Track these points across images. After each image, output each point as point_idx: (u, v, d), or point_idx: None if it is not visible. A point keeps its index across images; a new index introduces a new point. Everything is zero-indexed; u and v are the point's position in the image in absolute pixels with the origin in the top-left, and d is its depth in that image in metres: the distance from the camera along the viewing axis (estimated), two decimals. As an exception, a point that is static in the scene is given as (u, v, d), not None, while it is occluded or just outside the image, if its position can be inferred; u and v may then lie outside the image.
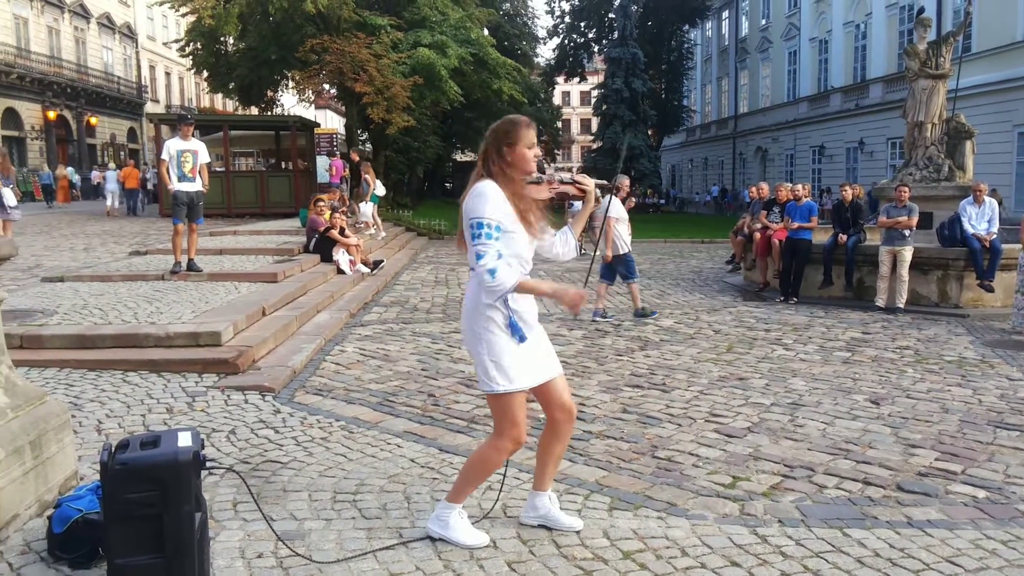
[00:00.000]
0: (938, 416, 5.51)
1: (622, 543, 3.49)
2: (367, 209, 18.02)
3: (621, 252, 9.54)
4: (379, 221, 18.38)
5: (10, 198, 12.13)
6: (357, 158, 20.45)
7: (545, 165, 3.45)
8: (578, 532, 3.56)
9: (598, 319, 9.40)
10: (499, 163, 3.20)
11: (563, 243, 3.45)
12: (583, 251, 18.20)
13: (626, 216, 9.56)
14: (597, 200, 3.47)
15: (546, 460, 3.55)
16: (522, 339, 3.23)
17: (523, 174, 3.24)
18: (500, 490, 3.84)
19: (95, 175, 35.08)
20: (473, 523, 3.55)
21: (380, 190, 18.75)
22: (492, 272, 3.07)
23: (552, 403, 3.42)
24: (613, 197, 9.22)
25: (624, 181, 9.92)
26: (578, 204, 3.50)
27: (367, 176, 18.45)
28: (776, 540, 3.54)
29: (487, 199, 3.13)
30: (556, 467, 3.66)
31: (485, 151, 3.25)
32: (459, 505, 3.45)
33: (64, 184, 30.74)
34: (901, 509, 3.91)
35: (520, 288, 3.16)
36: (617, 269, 9.71)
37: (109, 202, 24.32)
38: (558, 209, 3.55)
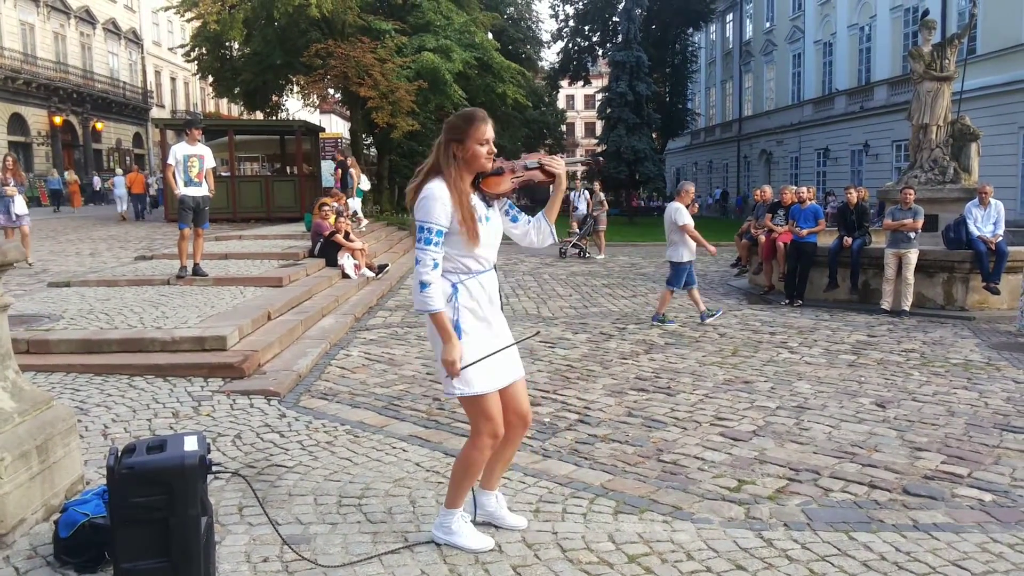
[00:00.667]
0: (944, 419, 5.49)
1: (627, 547, 3.48)
2: (355, 204, 18.21)
3: (684, 260, 9.39)
4: (360, 215, 18.53)
5: (21, 205, 12.18)
6: (341, 157, 20.47)
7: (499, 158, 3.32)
8: (583, 536, 3.56)
9: (655, 323, 9.37)
10: (447, 160, 3.17)
11: (537, 230, 3.40)
12: (586, 255, 18.20)
13: (687, 220, 9.35)
14: (571, 180, 3.41)
15: (494, 462, 3.50)
16: (459, 336, 3.15)
17: (474, 171, 3.20)
18: (475, 496, 3.81)
19: (96, 181, 35.25)
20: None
21: (365, 184, 19.03)
22: (423, 285, 3.07)
23: (507, 408, 3.36)
24: (679, 205, 9.20)
25: (688, 187, 9.81)
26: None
27: (352, 170, 18.60)
28: (782, 544, 3.53)
29: (434, 200, 3.10)
30: (504, 467, 3.63)
31: (436, 146, 3.23)
32: (459, 509, 3.44)
33: (75, 188, 31.02)
34: (907, 512, 3.90)
35: (435, 318, 3.12)
36: (671, 273, 9.57)
37: (121, 207, 25.07)
38: (539, 199, 3.48)
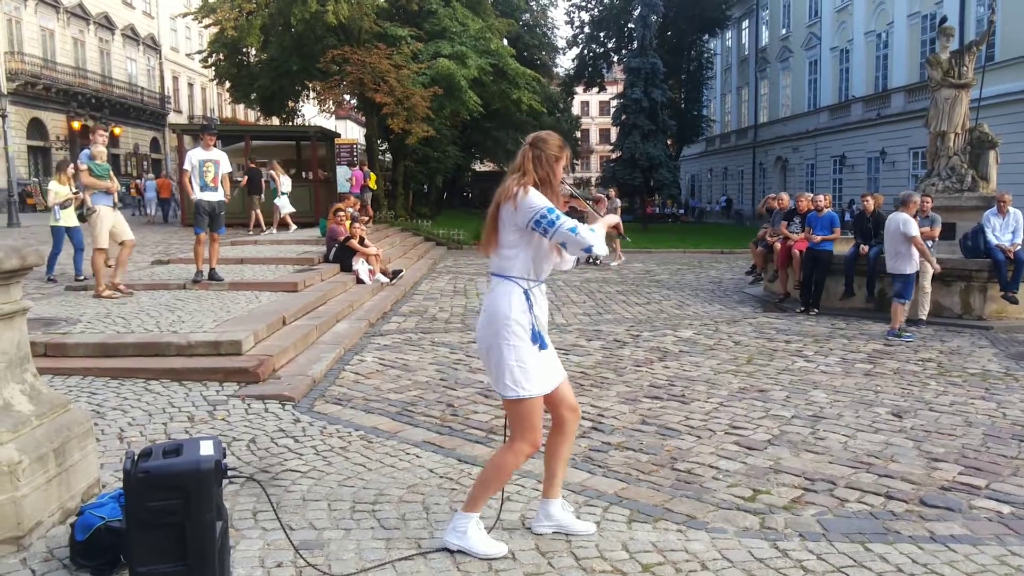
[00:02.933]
0: (961, 430, 5.45)
1: (641, 556, 3.47)
2: (281, 203, 18.71)
3: (908, 271, 9.27)
4: (287, 215, 18.68)
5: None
6: (253, 165, 20.52)
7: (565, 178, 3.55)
8: (597, 545, 3.55)
9: (891, 338, 9.11)
10: (549, 173, 3.34)
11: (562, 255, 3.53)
12: (599, 261, 18.17)
13: (914, 231, 9.17)
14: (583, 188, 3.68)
15: (555, 463, 3.58)
16: (543, 346, 3.33)
17: (558, 190, 3.40)
18: (501, 500, 3.82)
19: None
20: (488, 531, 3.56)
21: (286, 186, 19.06)
22: (591, 229, 3.25)
23: (562, 404, 3.50)
24: (907, 216, 9.13)
25: (915, 198, 9.64)
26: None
27: (273, 173, 18.91)
28: (797, 554, 3.51)
29: (541, 197, 3.25)
30: (565, 471, 3.69)
31: (535, 158, 3.34)
32: (476, 514, 3.46)
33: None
34: (924, 524, 3.87)
35: (600, 230, 3.32)
36: (895, 284, 9.46)
37: (151, 210, 26.36)
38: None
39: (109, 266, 9.76)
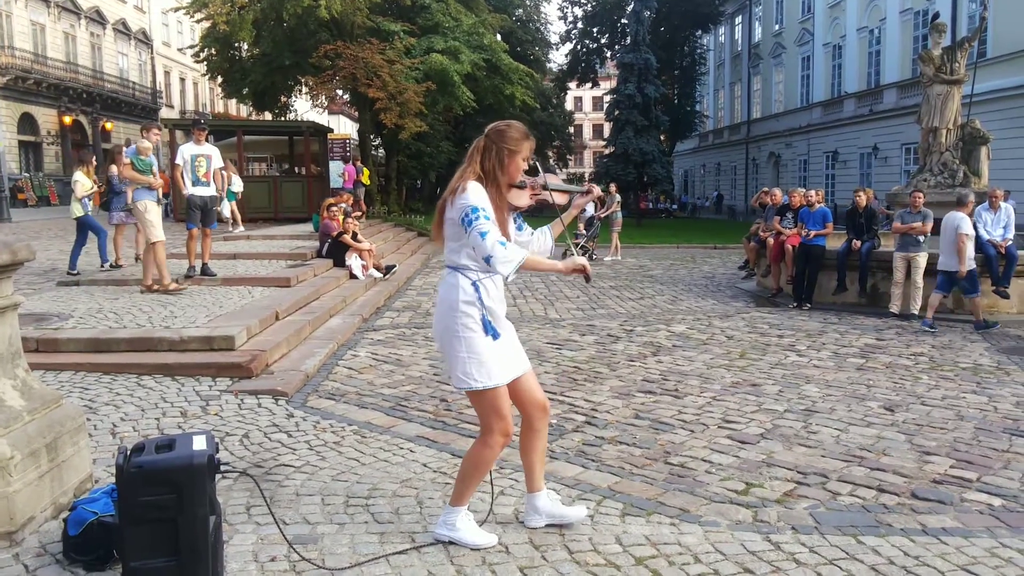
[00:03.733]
0: (953, 423, 5.47)
1: (635, 549, 3.48)
2: (225, 206, 18.49)
3: (967, 268, 9.31)
4: (238, 216, 18.58)
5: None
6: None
7: (539, 167, 3.48)
8: (590, 538, 3.56)
9: (927, 327, 9.21)
10: (496, 167, 3.27)
11: (540, 243, 3.50)
12: (593, 256, 18.20)
13: (971, 231, 9.30)
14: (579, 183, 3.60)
15: (531, 459, 3.56)
16: (495, 336, 3.27)
17: (510, 182, 3.32)
18: (491, 494, 3.82)
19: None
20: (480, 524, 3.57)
21: (237, 186, 19.00)
22: (503, 243, 3.12)
23: (525, 399, 3.45)
24: (964, 215, 9.19)
25: (972, 197, 9.72)
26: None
27: (227, 172, 18.73)
28: (790, 547, 3.52)
29: (478, 193, 3.19)
30: (543, 464, 3.65)
31: (484, 149, 3.29)
32: (463, 507, 3.47)
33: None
34: (916, 517, 3.88)
35: (529, 265, 3.18)
36: (961, 283, 9.51)
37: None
38: (541, 214, 3.63)
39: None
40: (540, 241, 3.50)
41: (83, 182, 10.80)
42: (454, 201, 3.21)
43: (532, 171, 3.44)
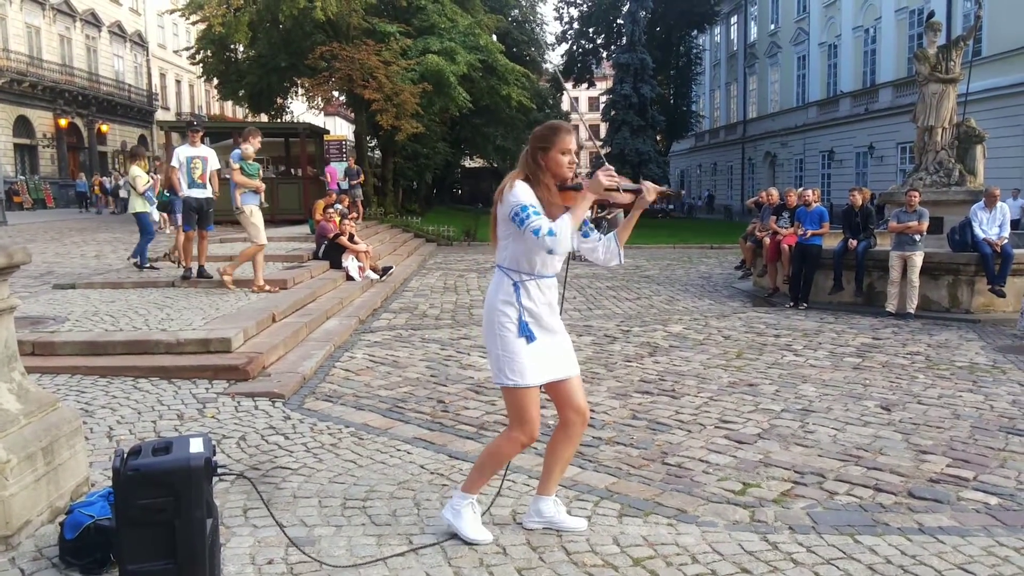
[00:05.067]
0: (949, 422, 5.48)
1: (632, 550, 3.48)
2: (153, 210, 18.53)
3: None
4: (167, 217, 18.64)
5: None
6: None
7: (604, 161, 3.44)
8: (588, 539, 3.56)
9: None
10: (534, 167, 3.28)
11: (606, 249, 3.50)
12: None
13: None
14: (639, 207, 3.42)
15: (553, 463, 3.58)
16: (530, 338, 3.30)
17: (556, 179, 3.28)
18: (498, 491, 3.83)
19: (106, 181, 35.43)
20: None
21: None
22: (551, 232, 3.11)
23: (566, 403, 3.47)
24: None
25: None
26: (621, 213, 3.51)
27: (160, 176, 18.90)
28: (787, 547, 3.53)
29: (524, 192, 3.21)
30: (563, 471, 3.67)
31: (527, 153, 3.33)
32: (473, 496, 3.52)
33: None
34: (912, 516, 3.89)
35: (573, 219, 3.18)
36: None
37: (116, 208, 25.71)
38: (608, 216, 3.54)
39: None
40: (605, 247, 3.49)
41: (141, 176, 10.81)
42: (503, 200, 3.24)
43: (596, 166, 3.37)
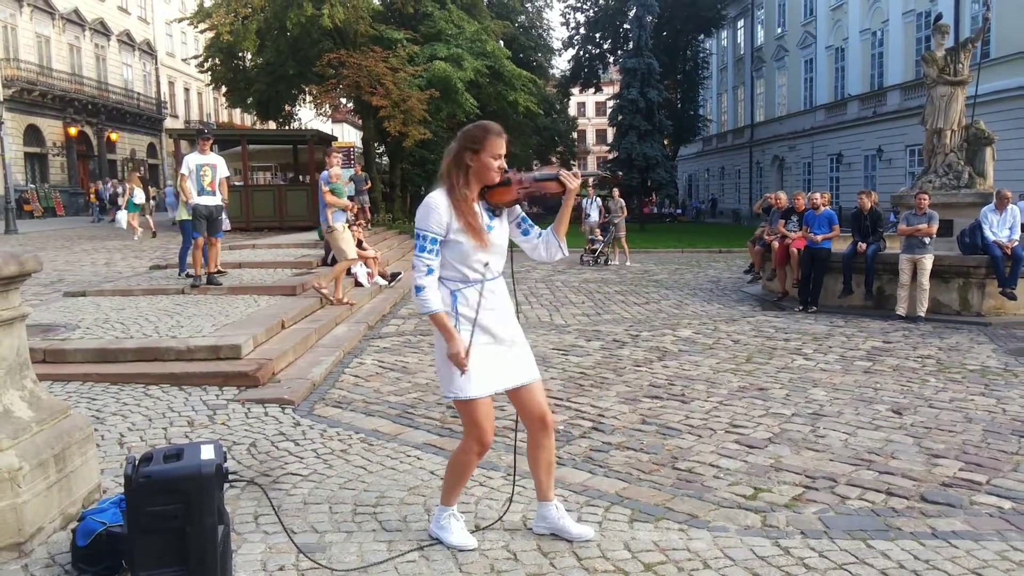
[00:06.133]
0: (961, 426, 5.45)
1: (643, 555, 3.47)
2: (122, 216, 19.64)
3: None
4: (136, 225, 19.45)
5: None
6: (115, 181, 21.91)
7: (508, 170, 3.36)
8: (599, 545, 3.55)
9: None
10: (457, 167, 3.21)
11: (546, 244, 3.44)
12: (608, 261, 18.19)
13: None
14: (583, 188, 3.45)
15: (536, 469, 3.56)
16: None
17: (482, 183, 3.25)
18: (510, 499, 3.83)
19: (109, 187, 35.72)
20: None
21: (139, 198, 19.80)
22: (418, 289, 3.17)
23: (521, 410, 3.47)
24: None
25: None
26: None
27: (129, 184, 19.79)
28: (799, 552, 3.51)
29: (429, 210, 3.18)
30: (550, 475, 3.59)
31: (448, 154, 3.27)
32: (452, 507, 3.54)
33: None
34: (925, 520, 3.87)
35: (434, 320, 3.21)
36: None
37: (172, 213, 26.25)
38: (552, 207, 3.55)
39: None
40: (545, 243, 3.42)
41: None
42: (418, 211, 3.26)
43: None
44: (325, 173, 10.11)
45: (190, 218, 10.73)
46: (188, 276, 10.85)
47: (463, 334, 3.23)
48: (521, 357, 3.40)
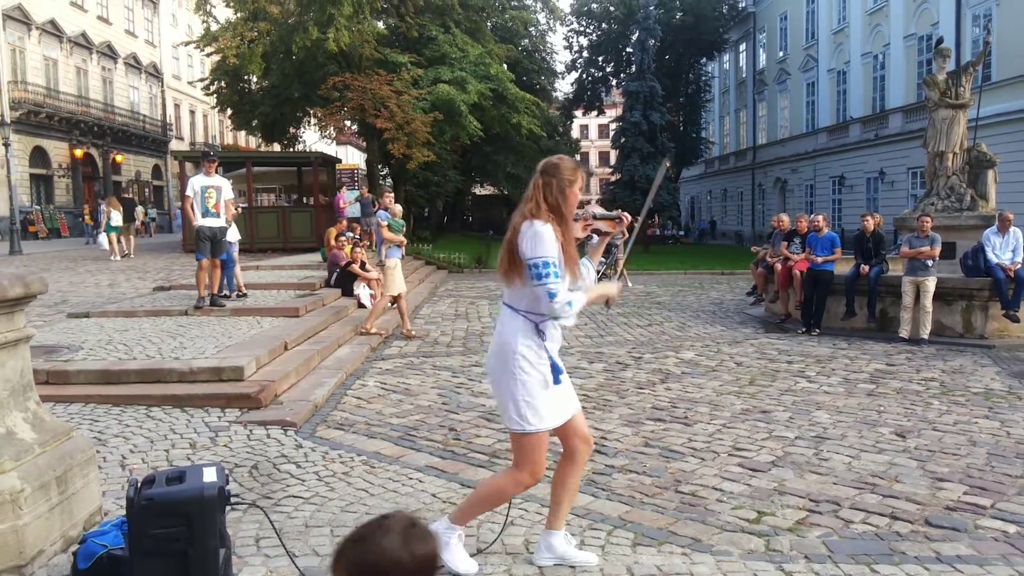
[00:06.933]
0: (965, 449, 5.43)
1: (646, 579, 3.45)
2: (102, 238, 20.45)
3: None
4: (115, 246, 20.05)
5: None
6: (100, 201, 22.71)
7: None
8: (601, 569, 3.53)
9: None
10: (560, 200, 3.24)
11: (587, 275, 3.46)
12: (626, 284, 18.20)
13: None
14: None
15: (562, 492, 3.53)
16: (557, 381, 3.27)
17: (572, 215, 3.32)
18: (504, 523, 3.81)
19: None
20: (485, 548, 3.63)
21: (116, 220, 20.38)
22: (570, 304, 3.16)
23: (573, 434, 3.45)
24: None
25: None
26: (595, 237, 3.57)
27: (107, 207, 20.47)
28: (802, 576, 3.49)
29: (548, 240, 3.15)
30: (571, 502, 3.62)
31: (544, 185, 3.26)
32: (462, 527, 3.47)
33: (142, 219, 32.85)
34: (930, 544, 3.84)
35: (587, 301, 3.31)
36: None
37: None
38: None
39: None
40: (586, 273, 3.46)
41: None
42: (522, 241, 3.17)
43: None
44: (384, 212, 10.51)
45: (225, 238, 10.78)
46: (238, 296, 10.99)
47: (543, 367, 3.25)
48: (571, 386, 3.47)
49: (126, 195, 25.85)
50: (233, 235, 11.29)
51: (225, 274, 11.10)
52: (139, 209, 30.97)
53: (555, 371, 3.26)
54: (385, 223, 10.34)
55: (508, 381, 3.26)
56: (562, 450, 3.52)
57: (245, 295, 11.40)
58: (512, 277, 3.24)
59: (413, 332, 10.53)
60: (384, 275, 10.42)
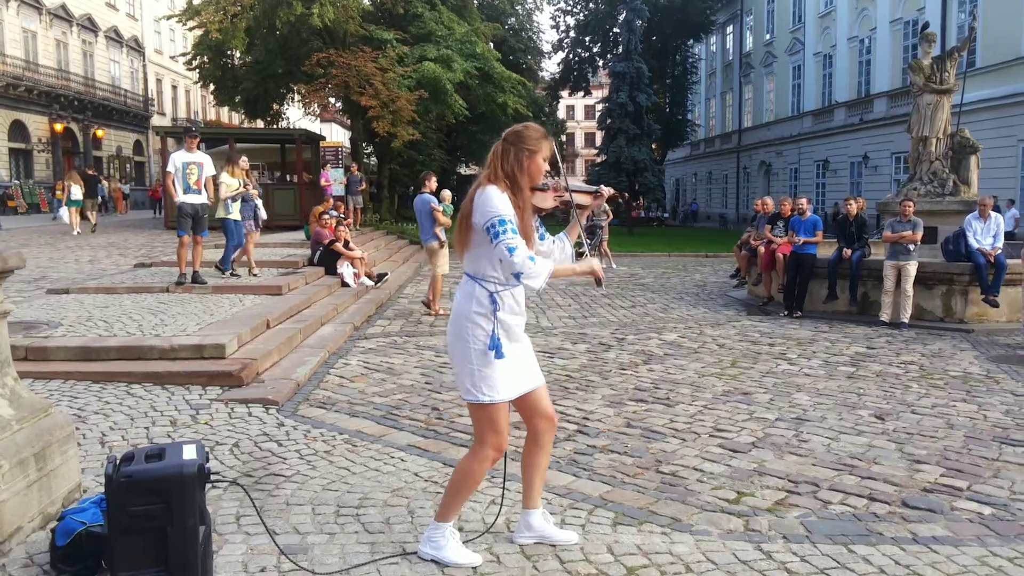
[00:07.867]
0: (943, 432, 5.49)
1: (626, 559, 3.47)
2: (63, 212, 20.73)
3: None
4: (74, 219, 20.23)
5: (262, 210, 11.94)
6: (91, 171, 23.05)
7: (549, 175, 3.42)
8: (582, 548, 3.55)
9: None
10: (515, 169, 3.18)
11: (560, 250, 3.40)
12: (611, 266, 18.20)
13: None
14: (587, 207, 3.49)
15: (532, 473, 3.51)
16: (499, 355, 3.16)
17: (532, 185, 3.23)
18: (501, 504, 3.83)
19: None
20: (475, 538, 3.57)
21: (76, 194, 20.61)
22: (532, 259, 3.06)
23: (534, 412, 3.39)
24: None
25: None
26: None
27: (68, 181, 20.76)
28: (781, 556, 3.52)
29: (500, 199, 3.09)
30: (543, 480, 3.60)
31: (503, 152, 3.21)
32: (449, 524, 3.40)
33: (119, 195, 33.35)
34: (906, 525, 3.89)
35: (555, 274, 3.16)
36: None
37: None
38: (562, 218, 3.55)
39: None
40: (560, 248, 3.40)
41: (229, 182, 10.71)
42: (475, 206, 3.12)
43: (553, 172, 3.38)
44: (429, 196, 10.74)
45: (228, 216, 10.67)
46: (233, 275, 10.85)
47: (505, 351, 3.17)
48: (534, 359, 3.40)
49: (90, 171, 25.72)
50: (246, 212, 11.20)
51: (226, 251, 11.05)
52: (104, 184, 30.80)
53: (493, 344, 3.15)
54: (440, 207, 10.89)
55: (462, 349, 3.21)
56: (526, 431, 3.49)
57: (237, 275, 11.09)
58: (466, 242, 3.20)
59: (441, 311, 10.56)
60: (438, 255, 10.84)
